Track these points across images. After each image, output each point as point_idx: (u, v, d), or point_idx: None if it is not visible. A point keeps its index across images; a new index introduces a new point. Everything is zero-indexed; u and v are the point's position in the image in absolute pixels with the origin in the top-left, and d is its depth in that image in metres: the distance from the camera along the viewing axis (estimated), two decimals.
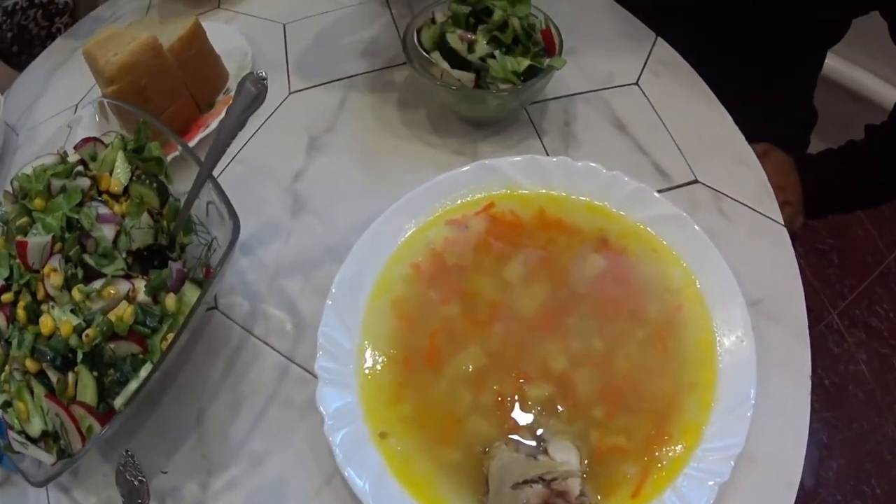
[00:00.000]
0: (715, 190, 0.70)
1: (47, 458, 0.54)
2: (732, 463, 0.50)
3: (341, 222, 0.71)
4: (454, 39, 0.68)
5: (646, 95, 0.78)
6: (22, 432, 0.55)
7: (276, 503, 0.56)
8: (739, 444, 0.51)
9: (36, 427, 0.54)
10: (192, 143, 0.76)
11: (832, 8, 0.86)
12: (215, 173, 0.60)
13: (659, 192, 0.65)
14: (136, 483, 0.51)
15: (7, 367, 0.57)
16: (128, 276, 0.58)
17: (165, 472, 0.59)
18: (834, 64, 1.58)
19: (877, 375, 1.60)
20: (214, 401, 0.62)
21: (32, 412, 0.54)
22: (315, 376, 0.57)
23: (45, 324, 0.54)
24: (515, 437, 0.53)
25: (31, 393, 0.55)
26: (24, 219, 0.61)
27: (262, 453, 0.59)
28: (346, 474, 0.51)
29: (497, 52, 0.67)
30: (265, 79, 0.57)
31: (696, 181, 0.71)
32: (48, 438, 0.55)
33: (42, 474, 0.52)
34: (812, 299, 1.64)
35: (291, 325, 0.65)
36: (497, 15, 0.68)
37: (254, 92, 0.57)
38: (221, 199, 0.57)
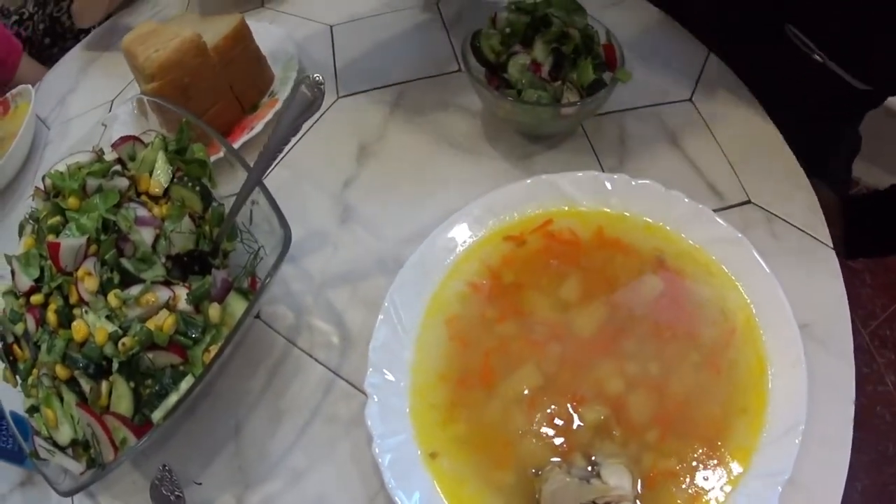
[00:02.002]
0: (767, 211, 0.69)
1: (75, 467, 0.54)
2: (780, 489, 0.50)
3: (391, 233, 0.70)
4: (518, 66, 0.68)
5: (699, 112, 0.77)
6: (49, 439, 0.54)
7: None
8: (787, 471, 0.51)
9: (65, 435, 0.54)
10: (236, 146, 0.76)
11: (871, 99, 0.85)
12: None
13: (713, 211, 0.65)
14: (172, 498, 0.51)
15: (35, 372, 0.56)
16: (167, 283, 0.57)
17: (200, 484, 0.58)
18: None
19: None
20: (254, 413, 0.61)
21: (61, 419, 0.54)
22: (362, 392, 0.57)
23: (79, 329, 0.53)
24: (568, 460, 0.53)
25: (61, 400, 0.54)
26: (57, 218, 0.60)
27: (303, 469, 0.58)
28: (396, 498, 0.51)
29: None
30: (322, 83, 0.56)
31: (748, 202, 0.70)
32: (77, 447, 0.54)
33: (69, 483, 0.52)
34: None
35: (338, 339, 0.65)
36: (556, 25, 0.67)
37: (309, 97, 0.56)
38: (272, 207, 0.56)
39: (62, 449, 0.53)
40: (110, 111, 0.83)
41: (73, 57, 1.03)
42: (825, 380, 0.59)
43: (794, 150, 0.76)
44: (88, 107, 0.92)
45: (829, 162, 1.05)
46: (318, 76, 0.56)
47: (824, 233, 0.69)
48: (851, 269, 1.75)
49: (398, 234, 0.69)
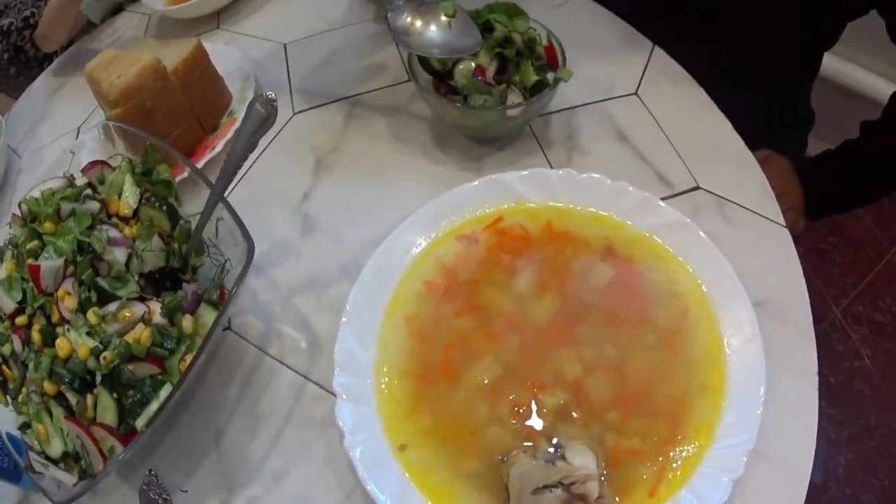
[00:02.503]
0: (717, 195, 0.73)
1: (68, 479, 0.56)
2: (745, 459, 0.53)
3: (351, 241, 0.73)
4: (464, 73, 0.71)
5: (645, 105, 0.81)
6: (42, 453, 0.57)
7: None
8: (751, 441, 0.54)
9: (56, 448, 0.56)
10: (199, 165, 0.78)
11: (830, 13, 0.89)
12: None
13: (662, 199, 0.68)
14: (160, 502, 0.54)
15: (24, 390, 0.59)
16: (142, 299, 0.60)
17: (185, 491, 0.61)
18: (828, 63, 1.62)
19: (882, 370, 1.64)
20: (232, 420, 0.64)
21: (52, 433, 0.56)
22: (332, 393, 0.60)
23: (62, 347, 0.56)
24: (533, 444, 0.55)
25: (50, 415, 0.57)
26: (35, 242, 0.63)
27: (282, 471, 0.61)
28: (369, 488, 0.53)
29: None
30: (275, 100, 0.59)
31: (698, 188, 0.74)
32: (69, 459, 0.57)
33: (63, 494, 0.54)
34: (814, 298, 1.68)
35: (306, 344, 0.67)
36: (498, 30, 0.70)
37: (263, 114, 0.59)
38: (235, 222, 0.59)
39: (55, 462, 0.56)
40: (77, 138, 0.86)
41: (40, 85, 1.05)
42: (786, 354, 0.62)
43: (747, 127, 0.80)
44: (57, 134, 0.95)
45: (785, 138, 1.09)
46: (270, 94, 0.59)
47: (776, 212, 0.72)
48: (820, 250, 1.80)
49: (358, 241, 0.72)
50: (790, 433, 0.58)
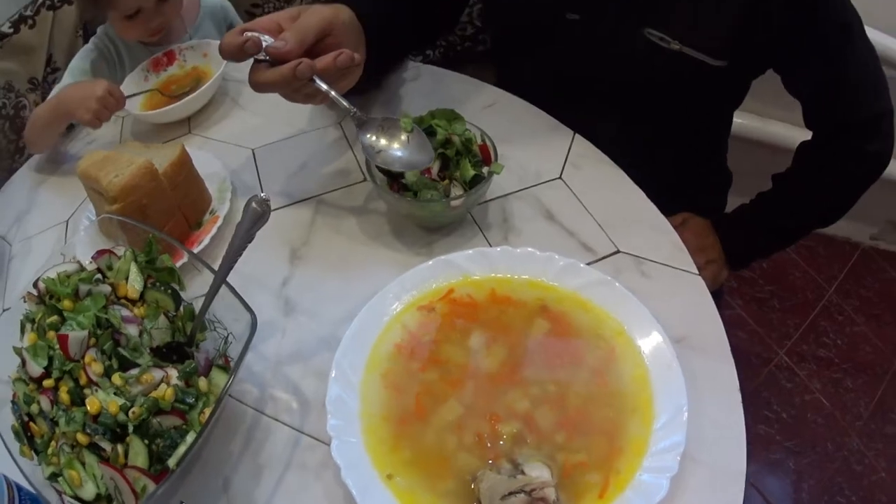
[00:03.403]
0: (635, 255, 0.94)
1: None
2: (679, 458, 0.69)
3: (328, 318, 0.92)
4: (413, 172, 0.92)
5: (569, 186, 1.04)
6: (75, 497, 0.69)
7: None
8: (682, 443, 0.70)
9: (89, 491, 0.68)
10: (185, 260, 0.94)
11: (730, 78, 1.10)
12: None
13: (587, 264, 0.89)
14: None
15: (53, 444, 0.73)
16: (158, 366, 0.76)
17: None
18: (740, 120, 1.90)
19: (833, 399, 1.87)
20: (237, 471, 0.79)
21: (85, 479, 0.68)
22: (324, 442, 0.78)
23: (93, 404, 0.69)
24: (496, 464, 0.73)
25: (83, 464, 0.70)
26: (54, 317, 0.76)
27: None
28: None
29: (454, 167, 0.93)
30: (268, 200, 0.79)
31: (618, 251, 0.95)
32: (101, 501, 0.69)
33: None
34: (758, 345, 1.97)
35: (297, 404, 0.84)
36: (440, 134, 0.93)
37: (259, 211, 0.79)
38: (238, 299, 0.77)
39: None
40: (67, 229, 1.03)
41: (22, 178, 1.24)
42: (708, 378, 0.80)
43: (666, 195, 0.99)
44: (45, 226, 1.12)
45: (705, 201, 1.31)
46: (264, 195, 0.79)
47: (688, 263, 0.93)
48: (759, 299, 2.07)
49: (333, 317, 0.90)
50: (721, 440, 0.75)
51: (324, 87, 0.86)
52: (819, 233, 2.19)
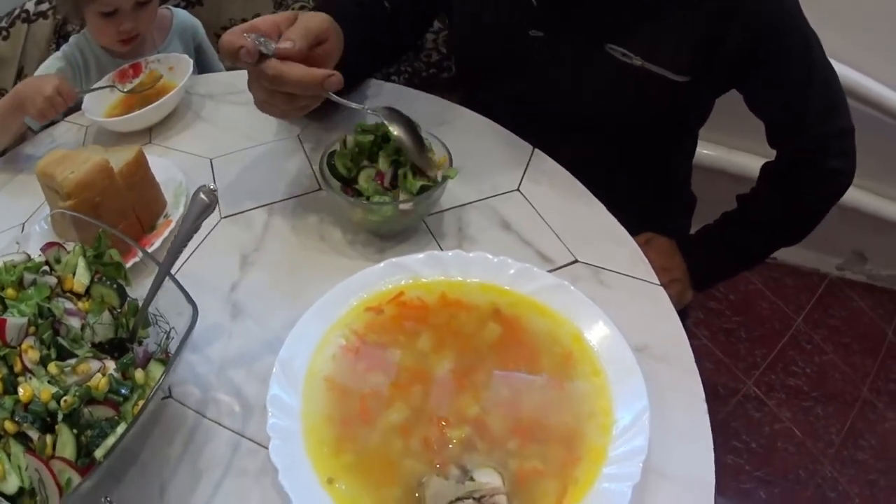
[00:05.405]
0: (593, 265, 0.92)
1: None
2: (641, 465, 0.65)
3: (276, 323, 0.87)
4: (366, 178, 0.91)
5: (527, 199, 1.02)
6: None
7: None
8: (644, 448, 0.66)
9: (12, 485, 0.64)
10: (138, 259, 0.92)
11: (693, 94, 1.09)
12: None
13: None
14: None
15: None
16: (97, 358, 0.72)
17: None
18: (705, 151, 1.92)
19: (803, 427, 1.85)
20: (175, 475, 0.75)
21: (8, 471, 0.65)
22: (264, 447, 0.73)
23: (25, 392, 0.66)
24: (444, 471, 0.69)
25: (8, 456, 0.66)
26: None
27: None
28: None
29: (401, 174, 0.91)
30: (216, 190, 0.76)
31: (576, 261, 0.92)
32: (24, 497, 0.65)
33: None
34: (725, 376, 1.95)
35: (239, 407, 0.80)
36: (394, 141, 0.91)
37: (206, 201, 0.76)
38: (180, 290, 0.74)
39: (10, 500, 0.64)
40: (23, 231, 1.00)
41: None
42: (672, 389, 0.76)
43: (631, 218, 0.97)
44: (3, 227, 1.08)
45: (669, 224, 1.29)
46: (212, 185, 0.76)
47: (650, 274, 0.90)
48: (727, 330, 2.05)
49: (280, 322, 0.86)
50: (687, 453, 0.72)
51: (335, 98, 0.87)
52: (786, 263, 2.21)
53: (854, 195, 1.98)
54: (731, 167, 1.95)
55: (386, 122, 0.89)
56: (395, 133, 0.89)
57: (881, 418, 1.93)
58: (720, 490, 0.70)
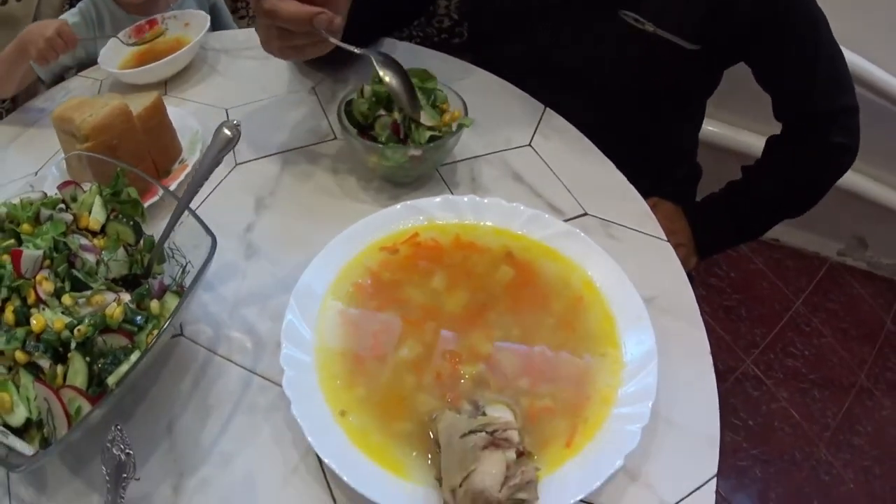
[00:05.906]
0: (603, 219, 0.92)
1: (27, 449, 0.62)
2: (650, 406, 0.66)
3: (289, 262, 0.88)
4: (382, 126, 0.91)
5: (538, 153, 1.02)
6: (4, 425, 0.63)
7: (247, 496, 0.68)
8: (652, 389, 0.68)
9: (19, 416, 0.63)
10: (155, 199, 0.92)
11: (703, 63, 1.10)
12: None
13: None
14: (122, 457, 0.62)
15: None
16: (111, 290, 0.72)
17: (138, 479, 0.68)
18: (711, 129, 1.92)
19: (800, 409, 1.85)
20: (184, 412, 0.75)
21: (16, 402, 0.64)
22: (276, 384, 0.73)
23: (38, 321, 0.65)
24: (457, 406, 0.69)
25: (17, 388, 0.65)
26: (11, 240, 0.73)
27: (232, 453, 0.71)
28: (315, 446, 0.65)
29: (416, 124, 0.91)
30: (239, 124, 0.76)
31: (585, 214, 0.93)
32: (31, 429, 0.64)
33: (19, 459, 0.61)
34: (724, 352, 1.95)
35: (251, 344, 0.80)
36: None
37: (229, 135, 0.76)
38: (198, 222, 0.74)
39: (16, 431, 0.63)
40: (36, 175, 1.00)
41: None
42: (677, 339, 0.77)
43: (637, 182, 0.97)
44: (15, 176, 1.08)
45: (674, 191, 1.29)
46: (235, 120, 0.76)
47: (658, 230, 0.91)
48: (726, 307, 2.05)
49: (294, 262, 0.86)
50: (692, 403, 0.73)
51: (329, 37, 0.84)
52: (787, 245, 2.21)
53: (857, 180, 1.99)
54: (736, 145, 1.96)
55: (377, 67, 0.89)
56: (386, 79, 0.88)
57: (878, 406, 1.93)
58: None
